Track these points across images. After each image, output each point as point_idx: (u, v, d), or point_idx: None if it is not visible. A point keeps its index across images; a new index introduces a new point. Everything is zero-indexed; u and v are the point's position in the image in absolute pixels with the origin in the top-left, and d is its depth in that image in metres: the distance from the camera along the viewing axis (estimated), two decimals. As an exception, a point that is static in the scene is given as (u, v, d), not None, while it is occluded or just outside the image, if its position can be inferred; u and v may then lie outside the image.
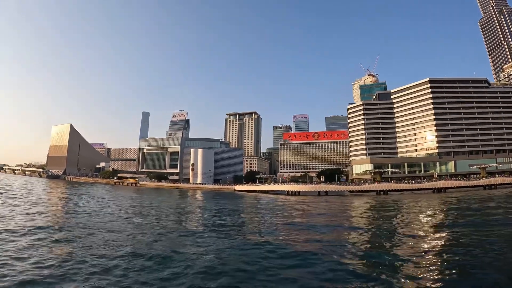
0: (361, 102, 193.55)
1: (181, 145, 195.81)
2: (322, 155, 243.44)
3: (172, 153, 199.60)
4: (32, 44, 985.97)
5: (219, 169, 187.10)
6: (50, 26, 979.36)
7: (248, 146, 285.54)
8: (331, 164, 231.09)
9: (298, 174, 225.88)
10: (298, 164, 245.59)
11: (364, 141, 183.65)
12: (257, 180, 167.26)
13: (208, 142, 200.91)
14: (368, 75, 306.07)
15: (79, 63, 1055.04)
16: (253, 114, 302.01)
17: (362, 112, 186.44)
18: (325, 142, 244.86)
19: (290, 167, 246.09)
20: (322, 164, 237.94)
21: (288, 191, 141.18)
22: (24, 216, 31.65)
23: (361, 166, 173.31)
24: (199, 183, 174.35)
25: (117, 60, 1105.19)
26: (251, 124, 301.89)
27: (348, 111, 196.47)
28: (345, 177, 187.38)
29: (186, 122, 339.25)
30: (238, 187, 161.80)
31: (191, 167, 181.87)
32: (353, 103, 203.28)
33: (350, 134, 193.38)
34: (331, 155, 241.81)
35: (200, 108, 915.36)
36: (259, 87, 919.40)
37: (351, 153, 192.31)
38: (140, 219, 35.38)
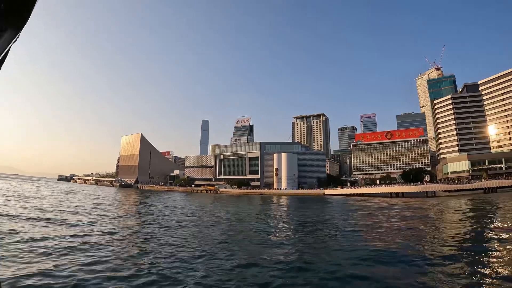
0: (449, 96, 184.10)
1: (261, 150, 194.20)
2: (396, 155, 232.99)
3: (251, 159, 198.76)
4: (94, 60, 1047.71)
5: (301, 173, 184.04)
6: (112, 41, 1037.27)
7: (317, 149, 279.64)
8: (406, 163, 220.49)
9: (373, 176, 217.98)
10: (372, 165, 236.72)
11: (455, 137, 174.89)
12: (348, 183, 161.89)
13: (288, 146, 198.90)
14: (436, 68, 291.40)
15: (138, 76, 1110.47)
16: (321, 116, 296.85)
17: (451, 106, 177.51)
18: (398, 141, 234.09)
19: (363, 168, 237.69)
20: (396, 164, 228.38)
21: (391, 193, 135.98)
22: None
23: (457, 164, 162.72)
24: (284, 188, 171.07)
25: (174, 72, 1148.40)
26: (319, 126, 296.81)
27: (435, 106, 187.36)
28: (428, 177, 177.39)
29: (250, 128, 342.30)
30: (328, 191, 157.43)
31: (274, 172, 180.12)
32: (441, 98, 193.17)
33: (439, 131, 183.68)
34: (406, 154, 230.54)
35: (261, 113, 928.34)
36: (318, 90, 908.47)
37: (441, 151, 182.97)
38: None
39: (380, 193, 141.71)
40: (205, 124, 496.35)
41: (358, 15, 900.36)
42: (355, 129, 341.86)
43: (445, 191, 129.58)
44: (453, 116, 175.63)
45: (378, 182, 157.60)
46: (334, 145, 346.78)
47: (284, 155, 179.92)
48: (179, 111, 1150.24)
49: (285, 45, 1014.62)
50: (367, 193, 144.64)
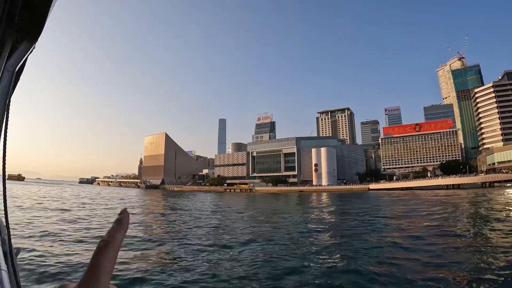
0: (490, 84, 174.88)
1: (297, 145, 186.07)
2: (426, 148, 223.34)
3: (286, 155, 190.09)
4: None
5: (339, 168, 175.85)
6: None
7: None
8: (437, 156, 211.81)
9: (403, 169, 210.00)
10: (402, 159, 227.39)
11: (499, 126, 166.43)
12: (394, 177, 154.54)
13: (324, 140, 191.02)
14: (459, 58, 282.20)
15: (150, 77, 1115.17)
16: (346, 110, 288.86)
17: (493, 94, 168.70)
18: (428, 133, 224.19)
19: (393, 162, 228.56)
20: (427, 157, 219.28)
21: (447, 185, 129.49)
22: None
23: (504, 153, 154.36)
24: (324, 185, 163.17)
25: (180, 75, 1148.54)
26: (345, 121, 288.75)
27: (476, 95, 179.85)
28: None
29: (272, 125, 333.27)
30: (373, 185, 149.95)
31: (313, 167, 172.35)
32: (481, 86, 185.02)
33: (481, 120, 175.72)
34: (436, 147, 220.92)
35: (280, 110, 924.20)
36: (334, 87, 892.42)
37: (484, 141, 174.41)
38: None
39: (433, 185, 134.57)
40: (222, 123, 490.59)
41: (376, 9, 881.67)
42: (378, 123, 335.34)
43: (506, 181, 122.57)
44: (496, 105, 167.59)
45: (428, 175, 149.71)
46: (357, 140, 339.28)
47: (323, 149, 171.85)
48: (193, 111, 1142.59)
49: (297, 43, 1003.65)
50: (418, 187, 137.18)
